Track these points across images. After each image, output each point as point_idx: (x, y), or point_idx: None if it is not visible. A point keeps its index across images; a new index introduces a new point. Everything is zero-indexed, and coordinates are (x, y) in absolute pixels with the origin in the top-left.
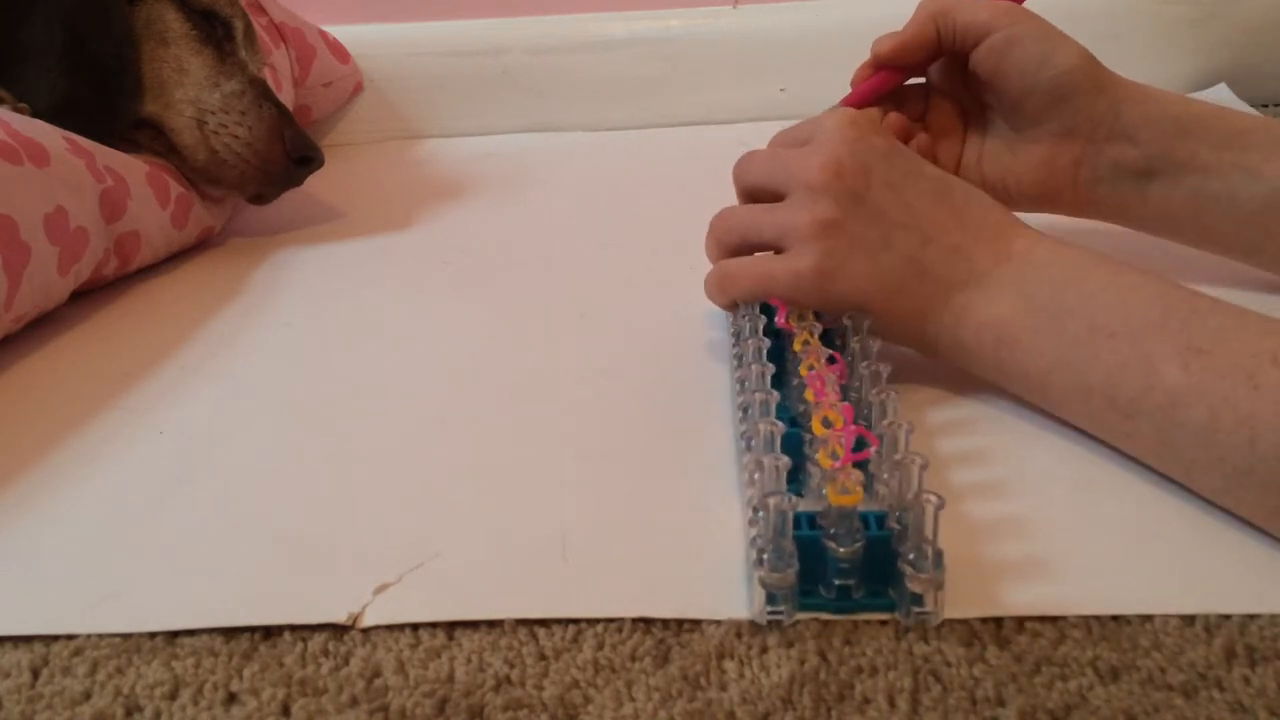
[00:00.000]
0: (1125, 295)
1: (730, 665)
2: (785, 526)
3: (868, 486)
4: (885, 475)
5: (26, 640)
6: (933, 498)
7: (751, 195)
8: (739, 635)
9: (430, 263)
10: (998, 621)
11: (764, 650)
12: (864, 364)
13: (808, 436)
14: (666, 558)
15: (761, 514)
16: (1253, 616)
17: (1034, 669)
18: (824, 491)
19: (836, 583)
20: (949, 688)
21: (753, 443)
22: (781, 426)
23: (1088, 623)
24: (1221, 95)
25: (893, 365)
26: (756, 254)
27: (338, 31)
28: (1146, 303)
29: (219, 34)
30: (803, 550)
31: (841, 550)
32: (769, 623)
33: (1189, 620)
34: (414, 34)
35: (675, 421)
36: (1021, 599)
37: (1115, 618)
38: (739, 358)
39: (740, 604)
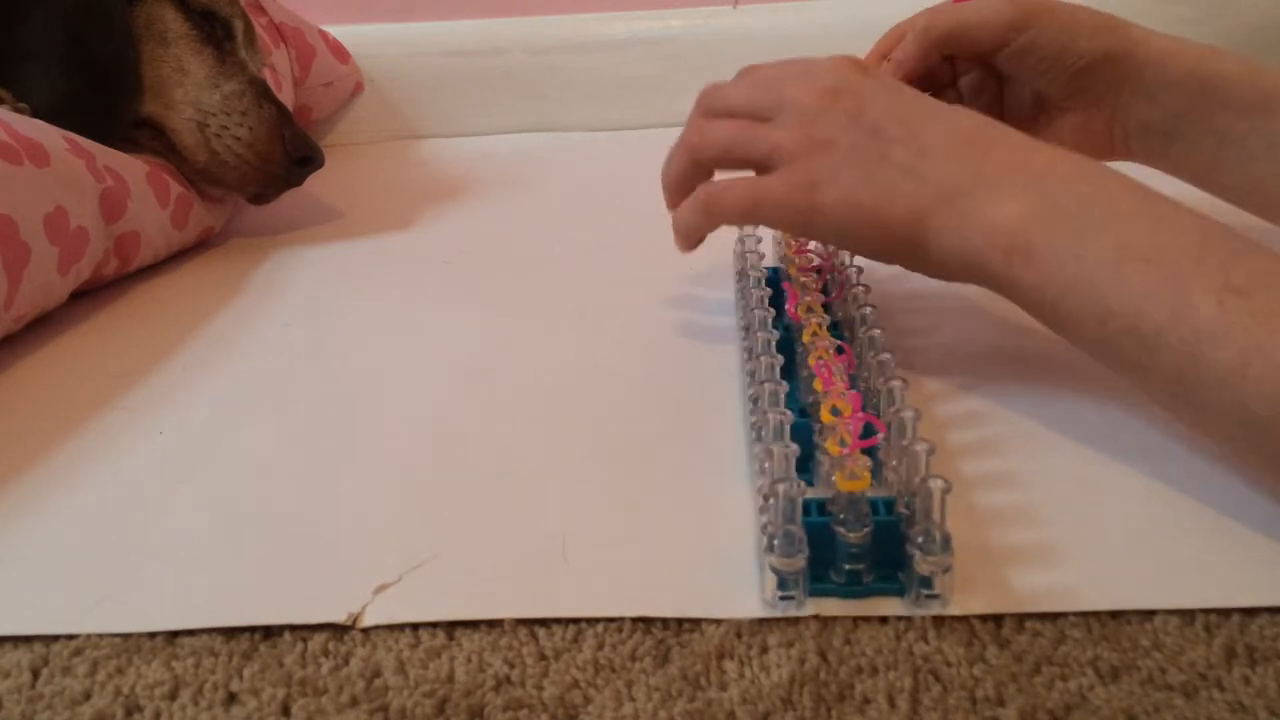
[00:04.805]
0: (1159, 223)
1: (730, 665)
2: (794, 512)
3: (876, 473)
4: (894, 462)
5: (26, 640)
6: (939, 481)
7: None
8: (739, 635)
9: (430, 263)
10: (998, 621)
11: (764, 650)
12: (871, 353)
13: (817, 426)
14: (667, 557)
15: (771, 501)
16: (1253, 615)
17: (1034, 669)
18: (833, 478)
19: (846, 568)
20: (949, 688)
21: (763, 432)
22: (791, 415)
23: (1088, 622)
24: None
25: (903, 358)
26: (740, 175)
27: (338, 31)
28: (1183, 234)
29: (219, 34)
30: (813, 536)
31: (851, 535)
32: (781, 606)
33: (1189, 620)
34: (414, 34)
35: (676, 420)
36: (1025, 589)
37: (1115, 616)
38: (749, 350)
39: (742, 602)
